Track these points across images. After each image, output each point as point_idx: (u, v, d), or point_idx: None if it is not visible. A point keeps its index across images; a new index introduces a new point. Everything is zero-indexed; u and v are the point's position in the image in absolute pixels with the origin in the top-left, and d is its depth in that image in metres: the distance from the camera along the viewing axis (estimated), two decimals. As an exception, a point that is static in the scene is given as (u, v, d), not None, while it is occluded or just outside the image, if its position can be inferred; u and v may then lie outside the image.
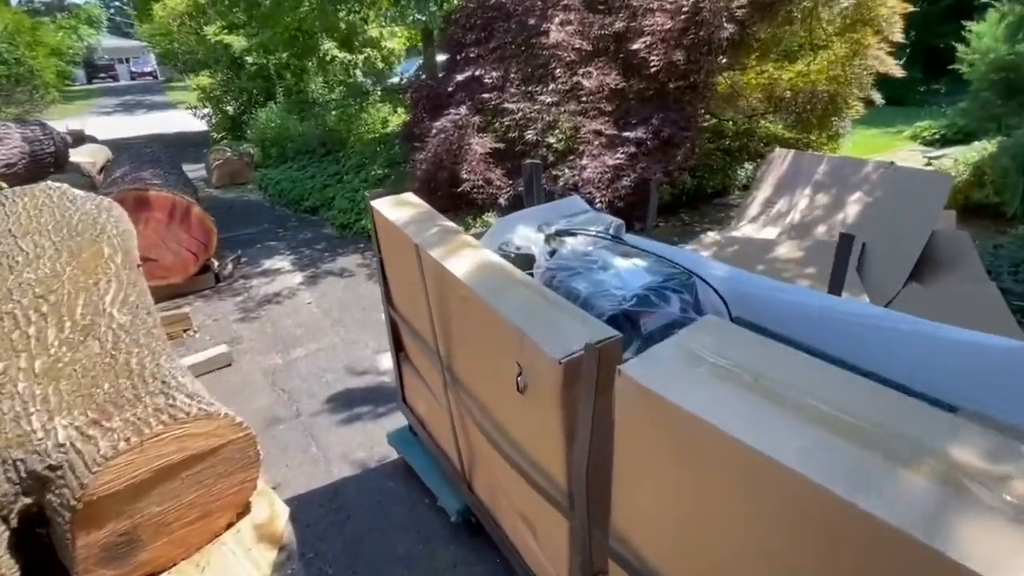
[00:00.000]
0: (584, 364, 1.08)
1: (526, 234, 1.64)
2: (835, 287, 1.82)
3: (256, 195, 8.17)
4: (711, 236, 5.08)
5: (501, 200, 5.12)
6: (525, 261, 1.56)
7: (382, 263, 2.18)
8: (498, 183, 5.15)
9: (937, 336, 1.29)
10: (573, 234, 1.60)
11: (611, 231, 1.64)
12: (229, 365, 3.59)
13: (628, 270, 1.38)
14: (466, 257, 1.51)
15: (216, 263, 5.08)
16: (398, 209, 1.97)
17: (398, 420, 2.68)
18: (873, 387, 0.87)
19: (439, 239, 1.64)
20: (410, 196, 2.09)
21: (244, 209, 7.44)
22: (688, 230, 5.47)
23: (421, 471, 2.30)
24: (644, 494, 1.04)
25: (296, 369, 3.50)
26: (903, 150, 8.37)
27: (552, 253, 1.59)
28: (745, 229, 5.02)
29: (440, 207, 5.28)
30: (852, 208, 4.44)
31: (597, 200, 4.82)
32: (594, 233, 1.59)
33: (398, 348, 2.34)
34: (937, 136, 8.59)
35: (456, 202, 5.41)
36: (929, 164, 6.16)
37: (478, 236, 2.93)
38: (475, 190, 5.10)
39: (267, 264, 5.41)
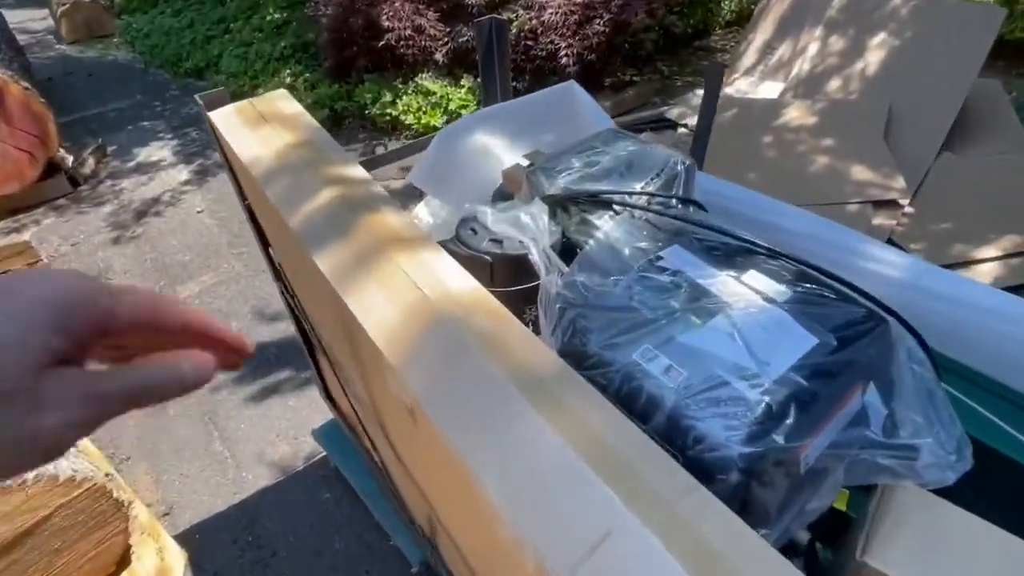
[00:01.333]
0: None
1: (507, 197, 0.82)
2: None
3: (124, 52, 6.42)
4: (700, 95, 4.19)
5: (437, 56, 3.96)
6: (512, 268, 0.77)
7: (251, 212, 1.31)
8: (432, 32, 3.94)
9: None
10: (607, 203, 0.79)
11: (678, 187, 0.84)
12: (96, 315, 2.70)
13: (757, 316, 0.63)
14: (400, 286, 0.70)
15: (70, 159, 3.86)
16: (255, 135, 1.06)
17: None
18: None
19: (338, 222, 0.81)
20: (278, 100, 1.16)
21: (108, 74, 5.82)
22: (669, 86, 4.53)
23: (364, 493, 1.67)
24: None
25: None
26: (898, -31, 7.23)
27: (565, 247, 0.79)
28: (739, 84, 4.14)
29: (359, 67, 4.08)
30: (874, 55, 3.60)
31: (563, 52, 3.77)
32: (645, 202, 0.79)
33: (304, 331, 1.56)
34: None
35: (378, 59, 4.20)
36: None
37: (417, 144, 2.02)
38: (402, 43, 3.90)
39: (142, 155, 4.20)
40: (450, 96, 3.94)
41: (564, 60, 3.78)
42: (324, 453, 1.93)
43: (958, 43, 3.30)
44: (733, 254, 0.72)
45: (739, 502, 0.55)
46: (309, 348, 1.65)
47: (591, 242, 0.76)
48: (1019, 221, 2.60)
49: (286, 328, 2.52)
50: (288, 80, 4.44)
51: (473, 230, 0.80)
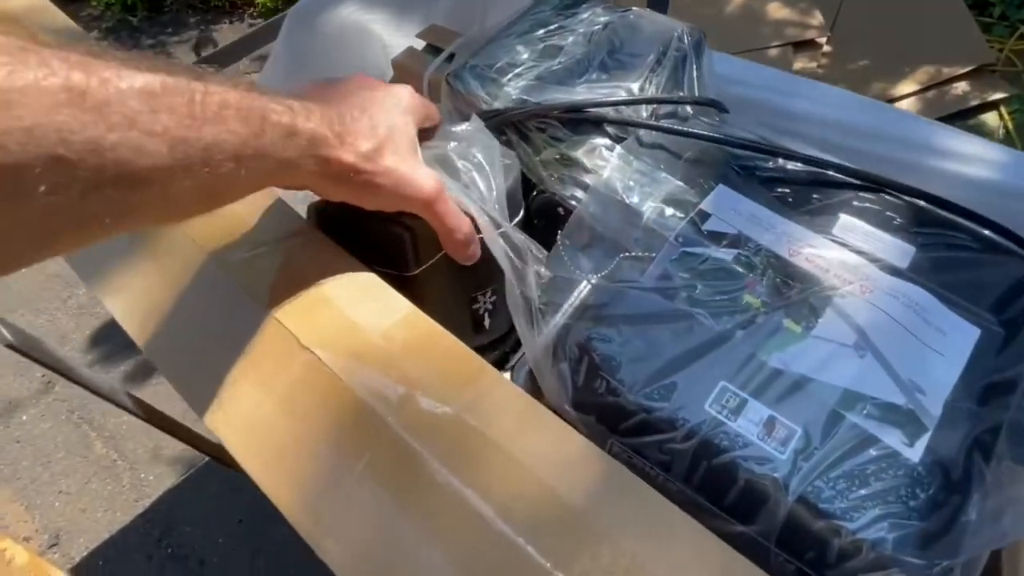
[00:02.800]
0: None
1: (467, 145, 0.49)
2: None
3: None
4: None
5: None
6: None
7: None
8: None
9: None
10: (595, 121, 0.48)
11: (689, 80, 0.53)
12: None
13: (876, 299, 0.39)
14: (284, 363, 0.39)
15: None
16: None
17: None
18: None
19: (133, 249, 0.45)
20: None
21: None
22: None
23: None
24: None
25: (15, 288, 2.08)
26: None
27: (535, 206, 0.48)
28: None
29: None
30: None
31: None
32: (651, 113, 0.49)
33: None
34: None
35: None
36: None
37: (266, 28, 1.51)
38: None
39: None
40: (296, -45, 3.14)
41: None
42: (237, 433, 1.62)
43: None
44: (805, 188, 0.46)
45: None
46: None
47: (583, 197, 0.46)
48: (930, 46, 2.52)
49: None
50: (71, -51, 3.35)
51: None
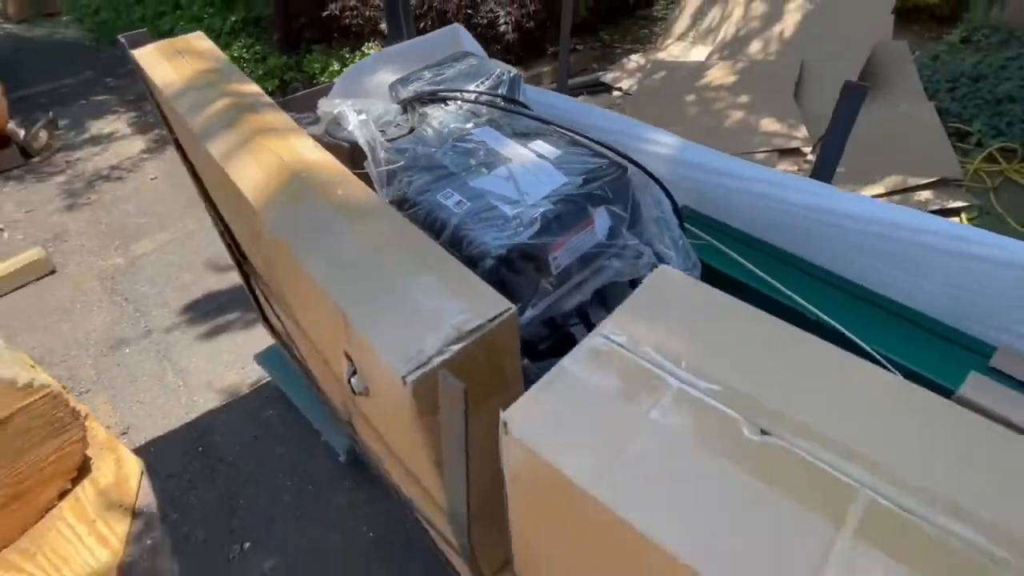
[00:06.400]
0: (447, 380, 0.61)
1: (368, 105, 1.02)
2: (827, 165, 1.35)
3: (73, 30, 6.39)
4: (634, 60, 4.41)
5: (383, 26, 4.10)
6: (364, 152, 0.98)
7: (179, 145, 1.50)
8: (377, 2, 4.08)
9: (981, 255, 0.90)
10: (443, 99, 1.01)
11: (502, 89, 1.06)
12: (53, 272, 2.85)
13: (527, 166, 0.85)
14: (267, 156, 0.91)
15: (22, 132, 3.92)
16: (170, 65, 1.25)
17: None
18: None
19: (230, 121, 1.01)
20: (194, 40, 1.35)
21: (58, 51, 5.81)
22: (608, 53, 4.74)
23: (299, 401, 1.89)
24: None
25: (142, 270, 2.81)
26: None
27: (411, 133, 1.01)
28: (672, 49, 4.36)
29: (307, 39, 4.20)
30: (791, 17, 3.85)
31: (502, 20, 3.94)
32: (474, 96, 1.01)
33: (240, 257, 1.76)
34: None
35: (325, 31, 4.32)
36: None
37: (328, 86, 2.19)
38: (347, 13, 4.03)
39: (96, 128, 4.27)
40: (396, 64, 4.09)
41: (503, 28, 3.95)
42: (268, 379, 2.13)
43: (863, 6, 3.57)
44: (533, 133, 0.95)
45: (498, 284, 0.78)
46: (248, 283, 1.85)
47: (425, 128, 0.98)
48: (903, 160, 2.89)
49: (235, 277, 2.70)
50: (238, 53, 4.53)
51: (336, 122, 1.02)
